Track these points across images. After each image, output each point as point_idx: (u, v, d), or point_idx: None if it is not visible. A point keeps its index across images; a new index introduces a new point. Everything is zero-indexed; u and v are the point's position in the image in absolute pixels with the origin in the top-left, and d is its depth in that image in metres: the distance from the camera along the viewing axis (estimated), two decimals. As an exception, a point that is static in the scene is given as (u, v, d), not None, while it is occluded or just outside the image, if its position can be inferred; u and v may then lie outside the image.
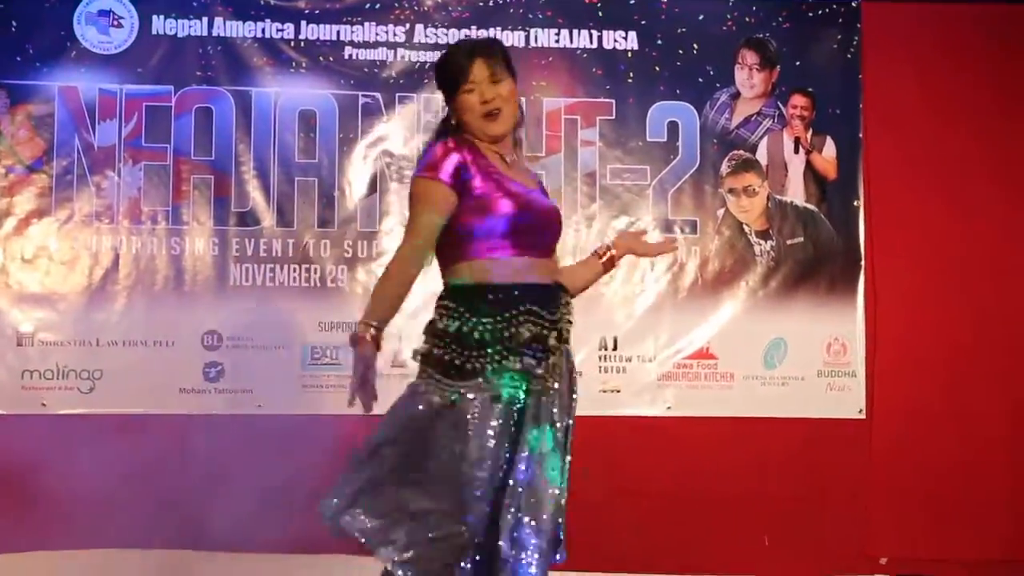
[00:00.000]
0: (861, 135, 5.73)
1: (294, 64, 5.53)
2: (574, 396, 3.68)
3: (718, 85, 5.71)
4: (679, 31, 5.69)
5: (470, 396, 3.43)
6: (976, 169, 5.78)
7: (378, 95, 5.56)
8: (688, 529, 5.52)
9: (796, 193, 5.72)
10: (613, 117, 5.67)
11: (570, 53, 5.67)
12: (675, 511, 5.52)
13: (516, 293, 3.50)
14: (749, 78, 5.73)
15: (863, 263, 5.71)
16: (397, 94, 5.56)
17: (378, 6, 5.59)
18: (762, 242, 5.70)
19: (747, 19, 5.72)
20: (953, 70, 5.78)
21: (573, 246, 5.55)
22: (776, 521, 5.60)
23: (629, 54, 5.68)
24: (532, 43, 5.64)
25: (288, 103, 5.51)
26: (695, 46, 5.70)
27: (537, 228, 3.60)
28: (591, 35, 5.67)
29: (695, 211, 5.67)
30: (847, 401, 5.67)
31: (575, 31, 5.66)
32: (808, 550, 5.60)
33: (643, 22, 5.68)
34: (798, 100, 5.74)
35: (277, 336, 5.48)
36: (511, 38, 5.59)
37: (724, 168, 5.68)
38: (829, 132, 5.73)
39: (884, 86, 5.75)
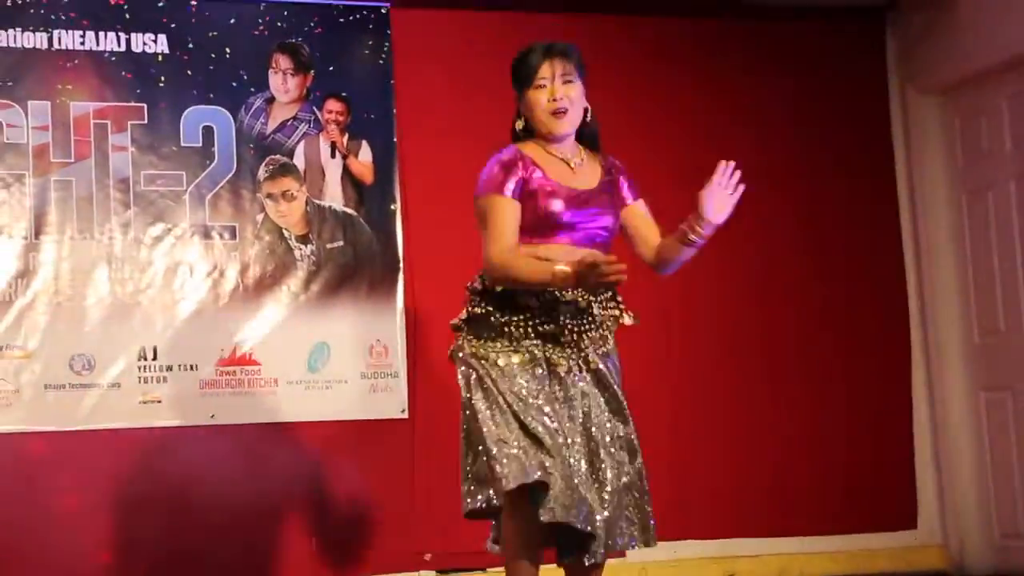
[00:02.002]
0: (396, 139, 5.86)
1: None
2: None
3: (252, 90, 5.71)
4: (210, 35, 5.66)
5: None
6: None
7: None
8: (231, 539, 5.48)
9: (335, 197, 5.78)
10: (145, 122, 5.56)
11: (98, 56, 5.52)
12: (217, 521, 5.47)
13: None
14: (283, 83, 5.75)
15: (402, 266, 5.82)
16: None
17: None
18: (302, 247, 5.72)
19: (279, 24, 5.75)
20: (481, 72, 5.90)
21: (108, 254, 5.44)
22: (325, 524, 5.64)
23: (160, 58, 5.60)
24: (56, 45, 5.47)
25: None
26: (227, 50, 5.68)
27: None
28: (119, 38, 5.55)
29: (234, 216, 5.64)
30: (391, 402, 5.76)
31: (102, 33, 5.53)
32: (356, 551, 5.66)
33: (173, 25, 5.61)
34: (333, 105, 5.80)
35: None
36: (33, 39, 5.43)
37: (262, 173, 5.67)
38: (365, 136, 5.83)
39: (416, 90, 5.91)
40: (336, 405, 5.70)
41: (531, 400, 3.71)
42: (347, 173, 5.81)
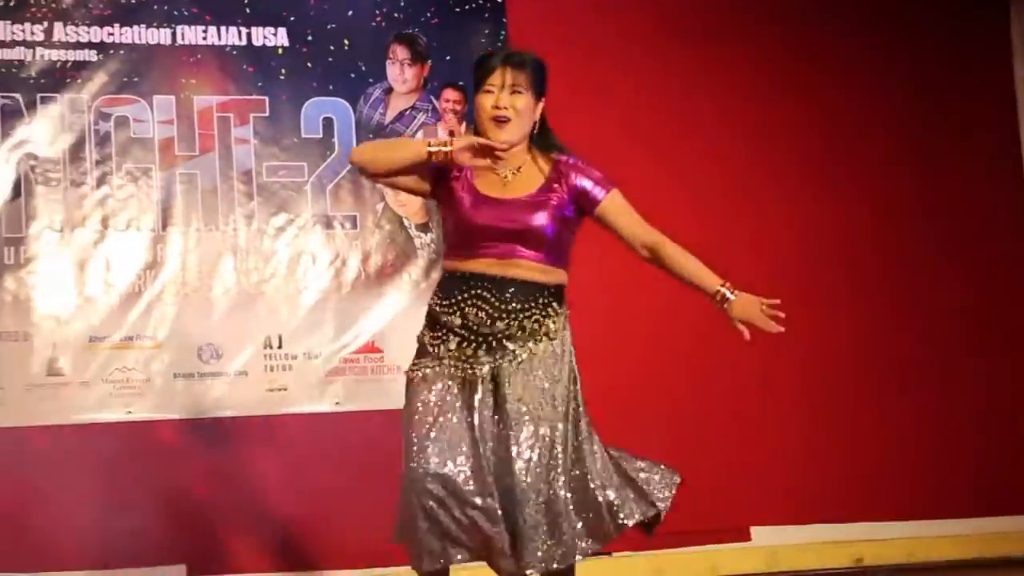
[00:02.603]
0: None
1: (-73, 67, 5.32)
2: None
3: (371, 80, 5.79)
4: (329, 27, 5.75)
5: None
6: (626, 156, 5.99)
7: (18, 96, 5.39)
8: (354, 522, 5.52)
9: None
10: (267, 114, 5.67)
11: (219, 51, 5.64)
12: (342, 504, 5.53)
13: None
14: (401, 73, 5.83)
15: None
16: (39, 95, 5.41)
17: (12, 3, 5.42)
18: (422, 235, 5.79)
19: (396, 14, 5.83)
20: (595, 59, 6.01)
21: (233, 245, 5.56)
22: None
23: (280, 51, 5.70)
24: (179, 41, 5.60)
25: (-78, 107, 5.30)
26: (346, 42, 5.77)
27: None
28: (240, 32, 5.66)
29: (355, 206, 5.72)
30: None
31: (223, 28, 5.64)
32: None
33: (292, 18, 5.72)
34: (450, 94, 5.86)
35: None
36: (157, 36, 5.56)
37: None
38: None
39: None
40: None
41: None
42: None
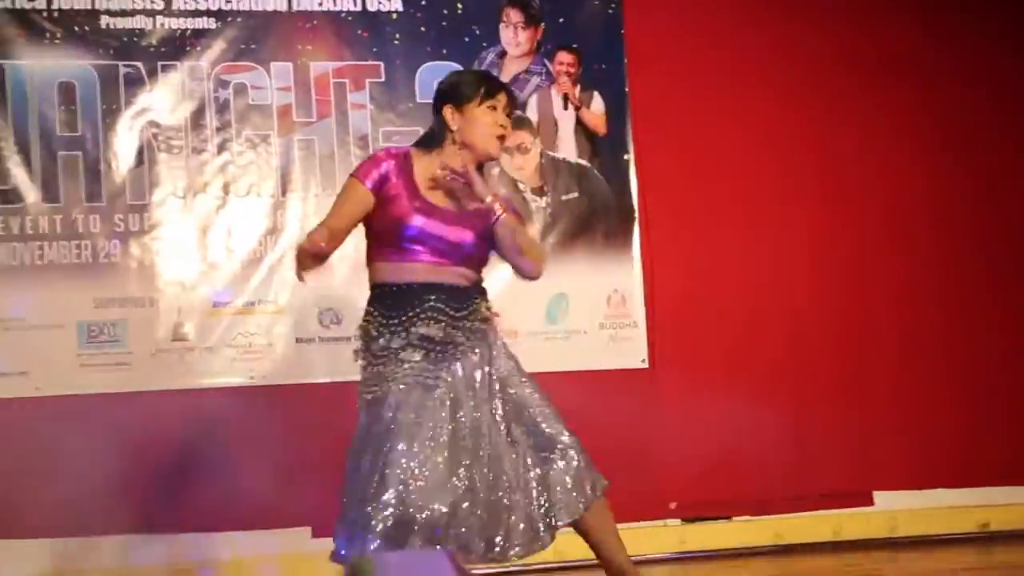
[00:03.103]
0: (627, 89, 5.95)
1: (48, 35, 5.43)
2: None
3: (485, 44, 5.86)
4: None
5: None
6: (738, 120, 6.08)
7: (140, 64, 5.51)
8: None
9: (568, 149, 5.91)
10: (383, 79, 5.75)
11: (334, 16, 5.73)
12: None
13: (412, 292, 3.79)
14: (515, 36, 5.90)
15: (636, 216, 5.91)
16: (159, 63, 5.53)
17: None
18: (538, 199, 5.84)
19: None
20: (710, 19, 6.05)
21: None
22: None
23: (394, 16, 5.78)
24: (295, 7, 5.69)
25: (45, 76, 5.41)
26: (459, 6, 5.86)
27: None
28: None
29: None
30: (631, 351, 5.86)
31: None
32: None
33: None
34: (564, 57, 5.92)
35: (50, 315, 5.37)
36: (273, 3, 5.67)
37: None
38: (596, 88, 5.96)
39: (646, 40, 6.01)
40: (576, 355, 5.81)
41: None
42: (580, 124, 5.93)
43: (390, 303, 3.78)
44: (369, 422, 3.75)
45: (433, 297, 3.75)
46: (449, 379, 3.75)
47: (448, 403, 3.73)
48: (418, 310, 3.74)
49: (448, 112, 3.86)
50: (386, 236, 3.82)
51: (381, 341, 3.76)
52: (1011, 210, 6.28)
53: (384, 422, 3.68)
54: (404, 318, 3.74)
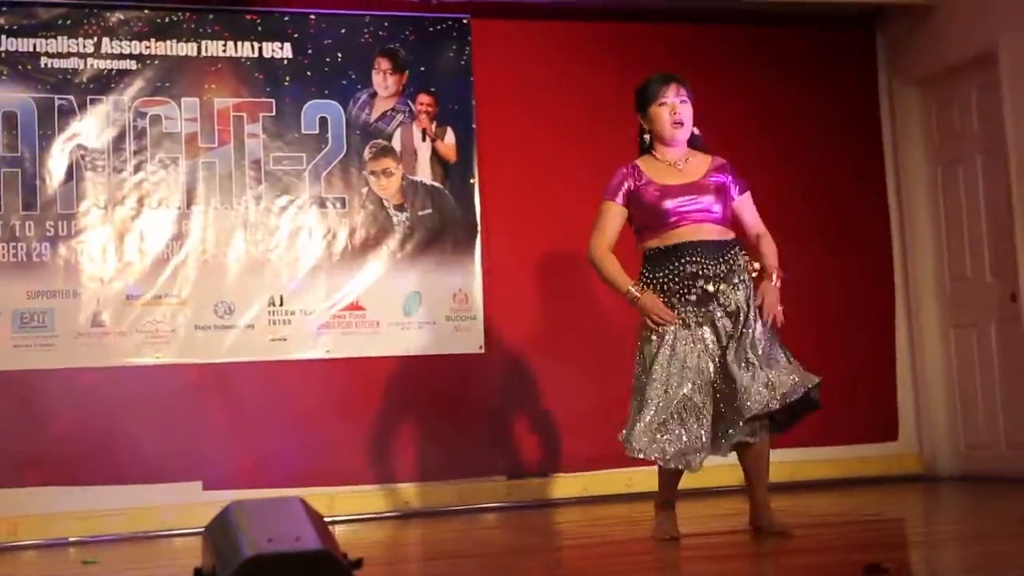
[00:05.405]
0: (474, 126, 6.81)
1: (-3, 73, 6.18)
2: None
3: (359, 87, 6.67)
4: (326, 43, 6.65)
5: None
6: (565, 153, 6.93)
7: (72, 97, 6.28)
8: (347, 446, 6.52)
9: (425, 174, 6.75)
10: (274, 114, 6.55)
11: (235, 61, 6.53)
12: (332, 434, 6.51)
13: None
14: (384, 81, 6.72)
15: (479, 228, 6.77)
16: (88, 97, 6.31)
17: (69, 22, 6.33)
18: (399, 214, 6.68)
19: (381, 32, 6.73)
20: (545, 72, 6.93)
21: (244, 221, 6.46)
22: (420, 436, 6.66)
23: (285, 62, 6.59)
24: (203, 53, 6.49)
25: (-8, 106, 6.14)
26: (339, 55, 6.66)
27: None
28: (253, 46, 6.55)
29: (344, 190, 6.62)
30: (470, 339, 6.72)
31: (239, 43, 6.53)
32: (445, 459, 6.68)
33: (296, 35, 6.62)
34: (424, 99, 6.76)
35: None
36: (185, 49, 6.45)
37: (366, 154, 6.67)
38: (449, 124, 6.79)
39: (491, 85, 6.88)
40: (426, 342, 6.65)
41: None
42: (435, 154, 6.77)
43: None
44: None
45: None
46: None
47: None
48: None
49: (641, 119, 4.70)
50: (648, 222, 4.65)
51: None
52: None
53: None
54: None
